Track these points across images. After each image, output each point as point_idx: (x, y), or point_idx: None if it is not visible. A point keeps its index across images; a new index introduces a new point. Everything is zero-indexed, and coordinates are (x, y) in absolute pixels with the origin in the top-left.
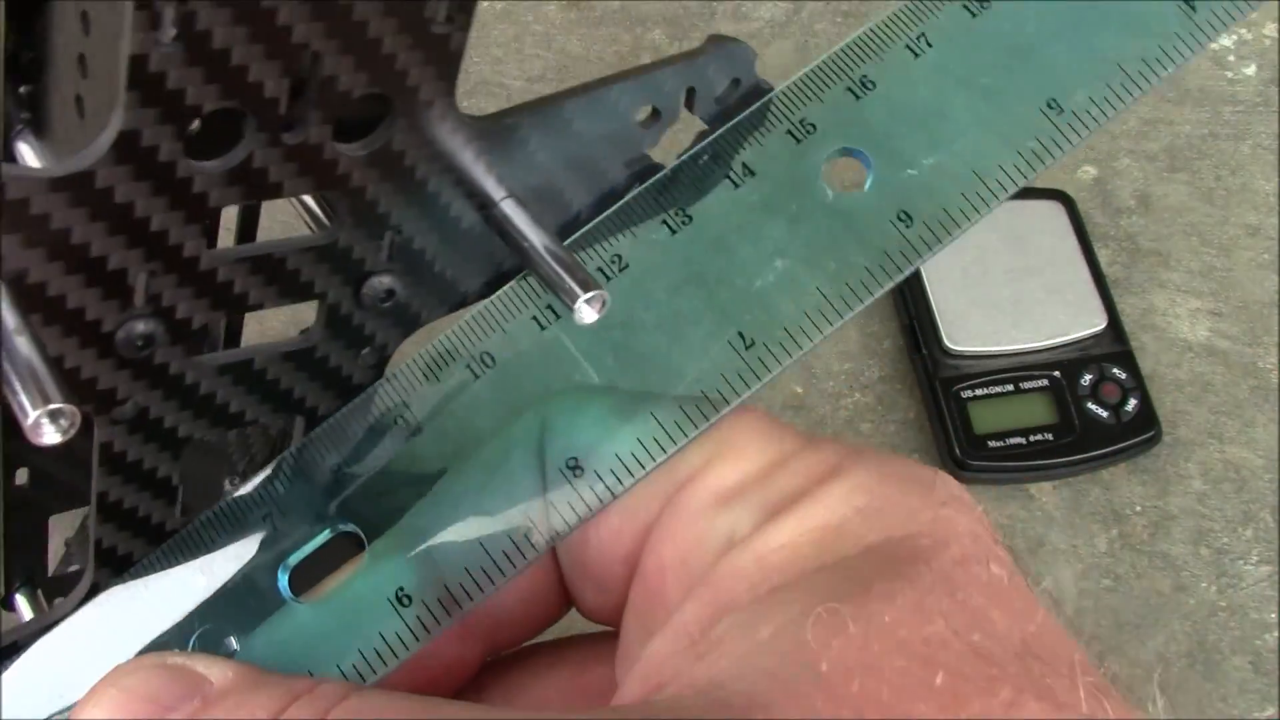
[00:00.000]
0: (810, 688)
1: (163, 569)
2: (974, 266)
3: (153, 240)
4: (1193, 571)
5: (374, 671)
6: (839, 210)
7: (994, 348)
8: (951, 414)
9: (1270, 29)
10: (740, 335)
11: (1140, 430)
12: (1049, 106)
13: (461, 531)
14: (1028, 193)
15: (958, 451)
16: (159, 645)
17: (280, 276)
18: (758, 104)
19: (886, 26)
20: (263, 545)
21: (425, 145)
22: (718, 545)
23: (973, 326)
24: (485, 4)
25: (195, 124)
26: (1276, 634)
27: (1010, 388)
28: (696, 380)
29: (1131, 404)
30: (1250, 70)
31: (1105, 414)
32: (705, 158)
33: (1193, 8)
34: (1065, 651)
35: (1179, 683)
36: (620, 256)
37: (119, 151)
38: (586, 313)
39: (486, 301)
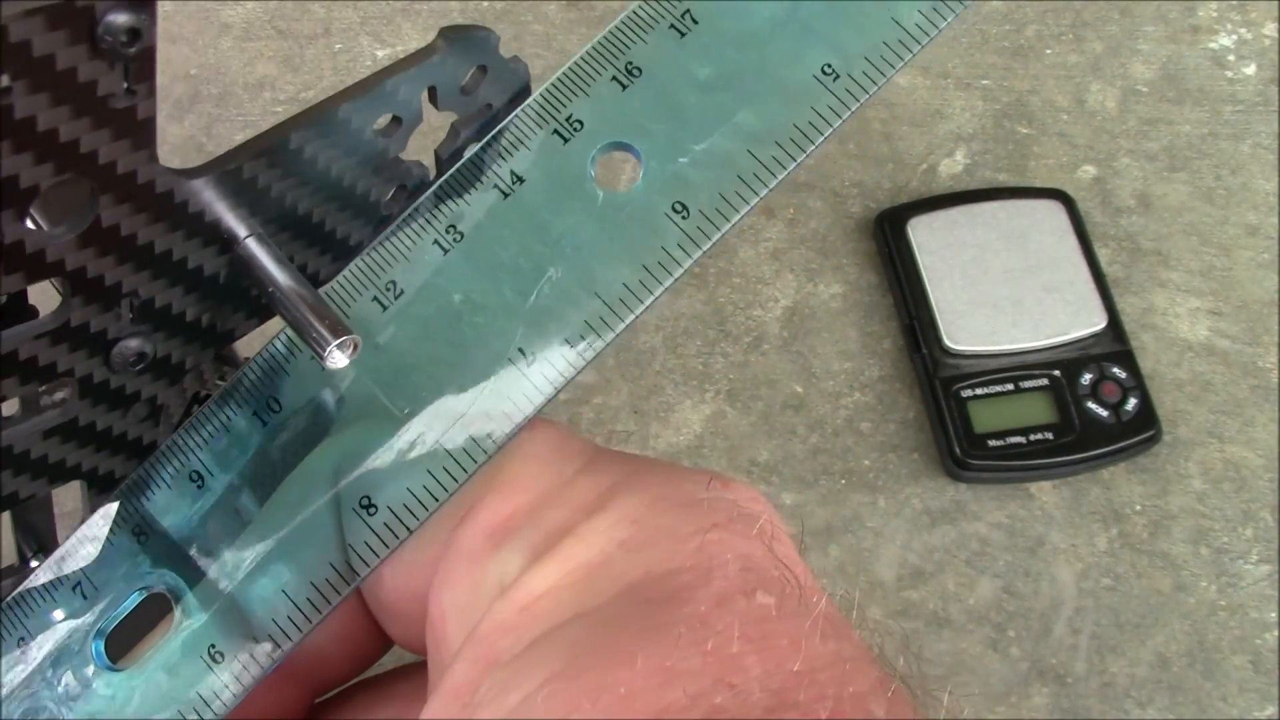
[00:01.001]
0: None
1: None
2: (974, 266)
3: None
4: (1193, 571)
5: None
6: (611, 210)
7: (994, 347)
8: (951, 413)
9: (1270, 29)
10: (521, 351)
11: (1140, 429)
12: (824, 72)
13: (264, 582)
14: (1028, 192)
15: (958, 451)
16: None
17: (17, 366)
18: (518, 110)
19: (650, 5)
20: (77, 614)
21: (139, 212)
22: (490, 592)
23: (973, 326)
24: (485, 4)
25: None
26: (1276, 633)
27: (1010, 387)
28: (482, 403)
29: (1131, 403)
30: (1250, 70)
31: (1105, 413)
32: (470, 168)
33: None
34: (833, 689)
35: (1178, 682)
36: (395, 283)
37: None
38: (337, 358)
39: (268, 345)
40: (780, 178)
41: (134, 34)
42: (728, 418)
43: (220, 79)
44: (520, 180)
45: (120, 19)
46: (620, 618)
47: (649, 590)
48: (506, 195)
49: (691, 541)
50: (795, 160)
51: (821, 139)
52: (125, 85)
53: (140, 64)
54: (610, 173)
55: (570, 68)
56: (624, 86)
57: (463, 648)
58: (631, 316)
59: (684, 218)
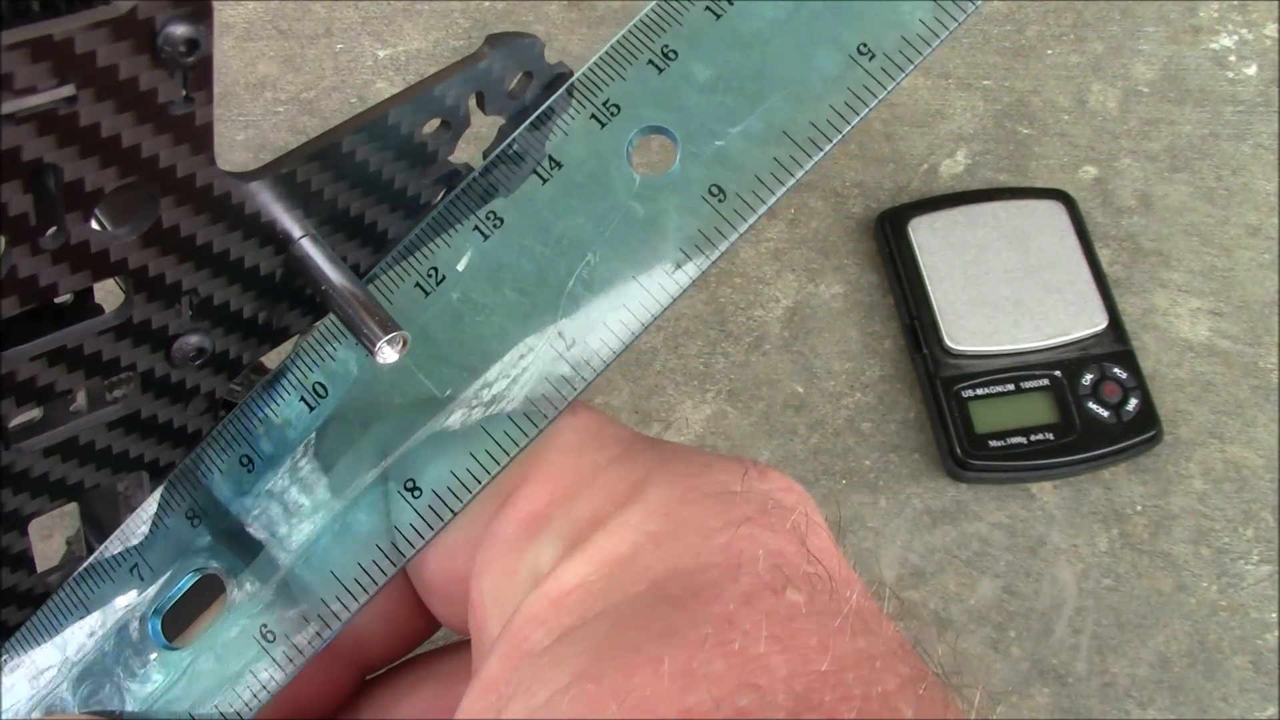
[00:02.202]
0: None
1: (43, 632)
2: (975, 266)
3: None
4: (1193, 571)
5: (249, 708)
6: (648, 193)
7: (995, 347)
8: (952, 413)
9: (1271, 29)
10: (561, 336)
11: (1141, 430)
12: (860, 52)
13: (314, 563)
14: (1029, 192)
15: (959, 451)
16: (49, 705)
17: (82, 361)
18: (557, 93)
19: None
20: (134, 594)
21: (198, 214)
22: (524, 582)
23: (974, 326)
24: (487, 4)
25: None
26: (1277, 633)
27: (1011, 387)
28: (522, 387)
29: (1132, 403)
30: (1251, 70)
31: (1106, 413)
32: (511, 155)
33: None
34: (859, 689)
35: (1179, 682)
36: (436, 269)
37: None
38: (387, 353)
39: (312, 332)
40: (815, 159)
41: (192, 44)
42: (729, 418)
43: (221, 79)
44: (559, 165)
45: (179, 30)
46: (647, 615)
47: (676, 586)
48: (545, 180)
49: (721, 536)
50: (831, 141)
51: (857, 119)
52: (184, 93)
53: (198, 72)
54: (647, 156)
55: (607, 51)
56: (660, 70)
57: (497, 640)
58: (670, 300)
59: (720, 200)
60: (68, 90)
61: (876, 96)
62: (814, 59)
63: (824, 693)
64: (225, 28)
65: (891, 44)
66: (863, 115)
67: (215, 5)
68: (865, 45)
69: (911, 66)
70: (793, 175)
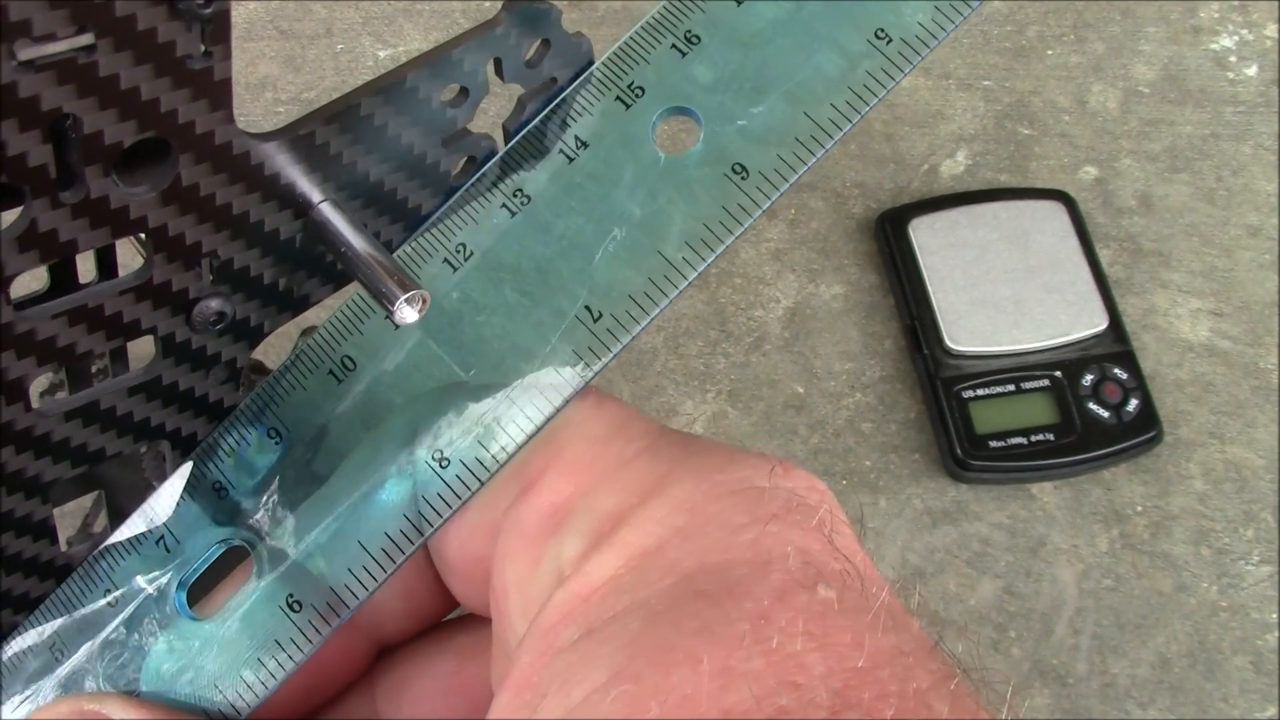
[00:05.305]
0: None
1: (66, 605)
2: (975, 266)
3: None
4: (1194, 571)
5: (274, 678)
6: (672, 172)
7: (995, 348)
8: (953, 414)
9: (1271, 30)
10: (588, 309)
11: (1141, 430)
12: (877, 36)
13: (341, 533)
14: (1029, 193)
15: (959, 451)
16: (73, 678)
17: (102, 322)
18: (583, 77)
19: None
20: (159, 567)
21: (217, 172)
22: (548, 573)
23: (974, 326)
24: (486, 4)
25: None
26: (1277, 634)
27: (1011, 388)
28: (549, 358)
29: (1133, 404)
30: (1251, 71)
31: (1106, 414)
32: (537, 135)
33: None
34: (895, 685)
35: (1179, 683)
36: (465, 245)
37: None
38: (407, 313)
39: (341, 304)
40: (836, 139)
41: None
42: (729, 418)
43: None
44: (584, 145)
45: None
46: (680, 611)
47: (706, 581)
48: (571, 160)
49: (748, 532)
50: (851, 121)
51: (876, 100)
52: (202, 47)
53: (216, 26)
54: (672, 136)
55: (631, 37)
56: (683, 54)
57: (526, 638)
58: (694, 274)
59: (743, 178)
60: (86, 39)
61: (894, 79)
62: (834, 41)
63: (862, 690)
64: None
65: (909, 30)
66: (880, 96)
67: None
68: (883, 30)
69: (927, 50)
70: (813, 155)
